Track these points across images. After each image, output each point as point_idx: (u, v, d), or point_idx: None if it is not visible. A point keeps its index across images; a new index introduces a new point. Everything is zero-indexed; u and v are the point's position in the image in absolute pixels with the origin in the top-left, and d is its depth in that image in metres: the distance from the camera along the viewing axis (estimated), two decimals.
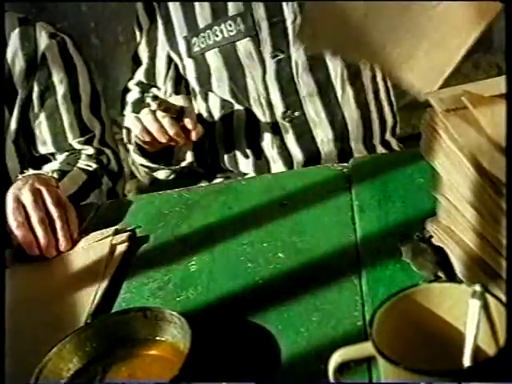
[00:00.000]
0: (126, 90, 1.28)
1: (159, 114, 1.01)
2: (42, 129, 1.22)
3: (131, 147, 1.15)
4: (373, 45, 0.69)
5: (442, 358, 0.51)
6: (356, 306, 0.65)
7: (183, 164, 1.17)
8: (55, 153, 1.23)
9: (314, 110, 1.17)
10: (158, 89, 1.25)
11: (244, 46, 1.14)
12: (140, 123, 1.02)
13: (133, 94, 1.26)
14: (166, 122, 1.00)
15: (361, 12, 0.69)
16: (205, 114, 1.25)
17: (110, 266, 0.82)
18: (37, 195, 0.92)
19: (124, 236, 0.88)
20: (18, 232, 0.89)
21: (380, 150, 1.24)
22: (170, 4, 1.18)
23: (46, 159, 1.24)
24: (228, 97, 1.19)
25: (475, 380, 0.43)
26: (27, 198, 0.91)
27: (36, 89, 1.20)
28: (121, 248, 0.86)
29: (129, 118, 1.09)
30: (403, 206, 0.81)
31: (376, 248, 0.74)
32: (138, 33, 1.26)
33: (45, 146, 1.23)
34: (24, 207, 0.91)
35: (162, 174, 1.21)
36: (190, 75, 1.22)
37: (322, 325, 0.64)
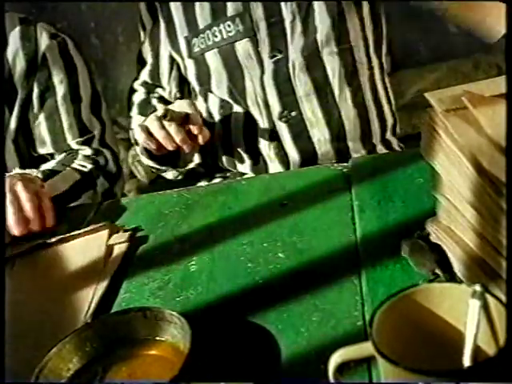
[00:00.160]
0: (132, 91, 1.28)
1: (165, 121, 1.01)
2: (41, 129, 1.22)
3: (138, 149, 1.16)
4: None
5: (442, 358, 0.51)
6: (356, 306, 0.65)
7: (191, 165, 1.18)
8: (54, 153, 1.23)
9: (311, 110, 1.17)
10: (163, 89, 1.26)
11: (243, 47, 1.15)
12: (147, 132, 1.02)
13: (138, 95, 1.27)
14: (172, 129, 1.01)
15: None
16: (204, 115, 1.25)
17: (110, 266, 0.82)
18: (15, 194, 0.96)
19: (124, 236, 0.88)
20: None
21: (380, 148, 1.24)
22: (172, 4, 1.18)
23: (46, 159, 1.24)
24: (226, 97, 1.20)
25: (475, 380, 0.43)
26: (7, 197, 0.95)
27: (36, 89, 1.20)
28: (121, 248, 0.86)
29: (135, 126, 1.10)
30: (403, 206, 0.81)
31: (376, 248, 0.74)
32: (141, 33, 1.26)
33: (44, 146, 1.23)
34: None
35: (170, 175, 1.22)
36: (191, 75, 1.22)
37: (322, 325, 0.64)
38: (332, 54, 1.14)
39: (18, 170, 1.08)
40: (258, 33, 1.13)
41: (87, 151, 1.22)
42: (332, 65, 1.15)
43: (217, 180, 1.26)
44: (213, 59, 1.17)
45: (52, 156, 1.24)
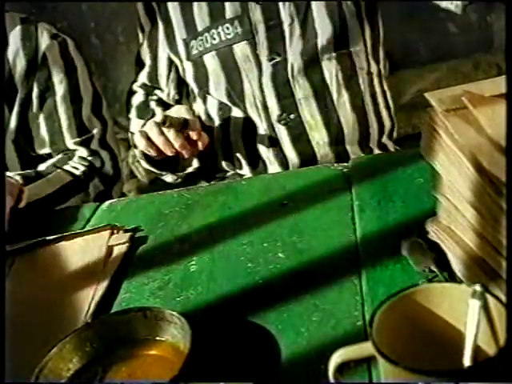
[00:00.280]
0: (131, 93, 1.29)
1: (164, 127, 1.02)
2: (40, 129, 1.22)
3: (137, 153, 1.16)
4: None
5: (442, 358, 0.51)
6: (356, 306, 0.65)
7: (189, 170, 1.18)
8: (52, 153, 1.23)
9: (310, 113, 1.17)
10: (162, 91, 1.26)
11: (241, 49, 1.14)
12: (146, 138, 1.03)
13: (137, 97, 1.27)
14: (171, 135, 1.02)
15: None
16: (203, 117, 1.25)
17: (110, 266, 0.82)
18: None
19: (125, 237, 0.88)
20: None
21: (377, 152, 1.24)
22: (170, 6, 1.18)
23: (45, 159, 1.24)
24: (225, 99, 1.20)
25: (475, 380, 0.43)
26: None
27: (36, 89, 1.20)
28: (121, 248, 0.86)
29: (135, 131, 1.10)
30: (403, 206, 0.81)
31: (376, 248, 0.74)
32: (140, 35, 1.26)
33: (43, 146, 1.23)
34: None
35: (169, 178, 1.22)
36: (189, 77, 1.22)
37: (322, 325, 0.64)
38: (331, 58, 1.14)
39: None
40: (256, 35, 1.13)
41: (83, 152, 1.22)
42: (331, 69, 1.15)
43: (216, 180, 1.27)
44: (211, 62, 1.17)
45: (50, 156, 1.24)
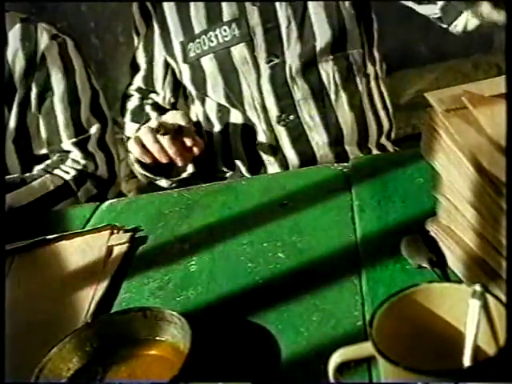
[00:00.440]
0: (126, 97, 1.28)
1: (159, 135, 1.01)
2: (38, 129, 1.22)
3: (131, 158, 1.15)
4: None
5: (442, 358, 0.51)
6: (356, 306, 0.65)
7: (184, 175, 1.18)
8: (49, 154, 1.23)
9: (309, 114, 1.17)
10: (157, 94, 1.26)
11: (239, 52, 1.14)
12: (140, 145, 1.02)
13: (132, 101, 1.27)
14: (165, 142, 1.01)
15: None
16: (202, 119, 1.25)
17: (110, 266, 0.82)
18: None
19: (125, 237, 0.88)
20: None
21: (375, 153, 1.24)
22: (166, 9, 1.18)
23: (44, 160, 1.24)
24: (223, 101, 1.20)
25: (475, 380, 0.43)
26: None
27: (34, 89, 1.20)
28: (121, 248, 0.86)
29: (130, 135, 1.10)
30: (403, 206, 0.81)
31: (376, 248, 0.74)
32: (135, 38, 1.26)
33: (42, 146, 1.23)
34: None
35: (164, 183, 1.22)
36: (186, 80, 1.22)
37: (322, 325, 0.64)
38: (329, 60, 1.15)
39: None
40: (254, 38, 1.13)
41: (77, 155, 1.21)
42: (328, 70, 1.16)
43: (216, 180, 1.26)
44: (208, 64, 1.17)
45: (48, 157, 1.23)
